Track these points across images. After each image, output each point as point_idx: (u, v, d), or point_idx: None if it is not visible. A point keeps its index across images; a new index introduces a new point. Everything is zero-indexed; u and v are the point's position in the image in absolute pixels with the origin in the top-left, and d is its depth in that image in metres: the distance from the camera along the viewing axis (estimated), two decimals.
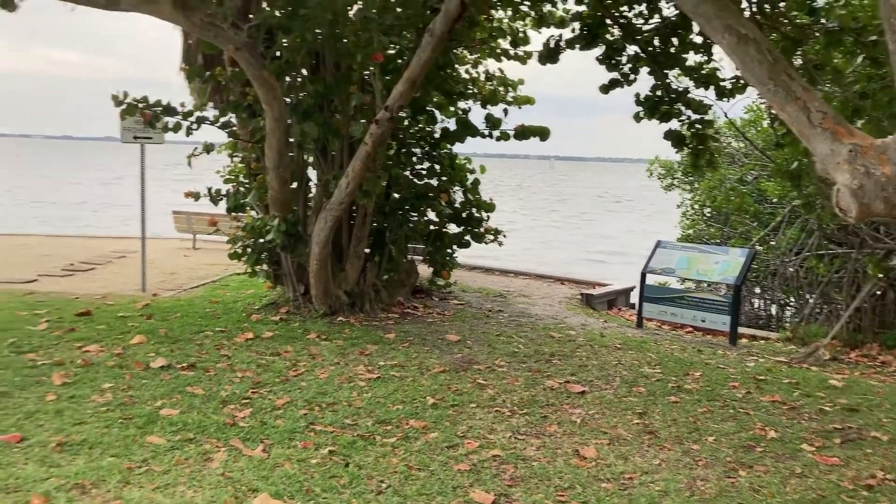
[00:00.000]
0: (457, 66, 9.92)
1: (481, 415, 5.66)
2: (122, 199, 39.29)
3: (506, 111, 9.91)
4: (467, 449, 4.94)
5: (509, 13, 9.77)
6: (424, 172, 10.39)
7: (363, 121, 8.41)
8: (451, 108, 10.08)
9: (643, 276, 10.35)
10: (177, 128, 8.75)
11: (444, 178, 10.41)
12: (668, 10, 8.51)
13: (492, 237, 10.61)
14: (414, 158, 10.30)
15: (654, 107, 9.02)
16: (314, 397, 5.83)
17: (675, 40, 8.70)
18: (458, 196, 10.53)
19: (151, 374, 6.24)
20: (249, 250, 9.28)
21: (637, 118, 9.19)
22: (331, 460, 4.60)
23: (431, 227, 10.42)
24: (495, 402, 5.99)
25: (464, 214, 10.51)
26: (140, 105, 8.46)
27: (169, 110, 8.63)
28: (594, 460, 4.88)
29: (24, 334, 7.48)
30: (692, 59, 8.84)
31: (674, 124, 9.15)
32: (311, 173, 9.51)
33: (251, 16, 8.45)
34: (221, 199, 9.41)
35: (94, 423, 5.03)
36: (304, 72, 9.02)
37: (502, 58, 10.16)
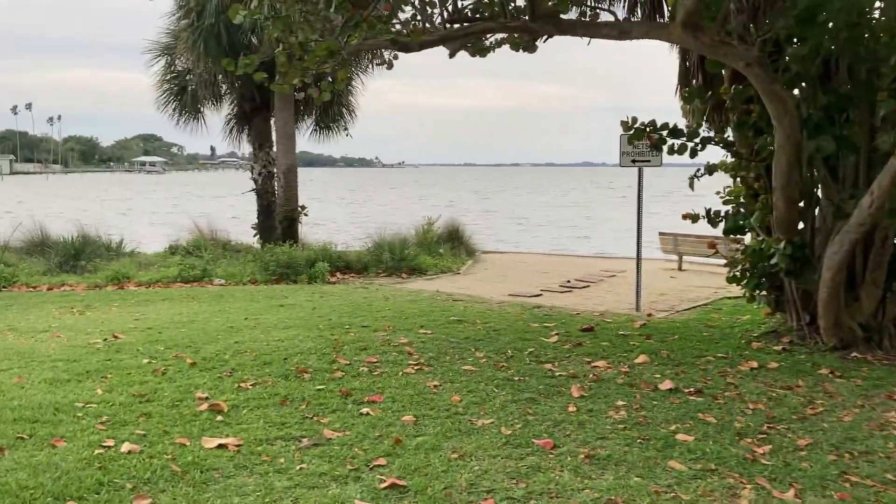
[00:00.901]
0: None
1: None
2: (603, 219, 41.57)
3: None
4: None
5: None
6: None
7: (894, 131, 7.38)
8: None
9: None
10: (682, 150, 8.78)
11: None
12: None
13: None
14: None
15: None
16: (842, 442, 5.22)
17: None
18: None
19: (660, 396, 6.29)
20: (749, 274, 8.87)
21: None
22: None
23: None
24: None
25: None
26: (647, 129, 8.72)
27: (675, 132, 8.71)
28: None
29: (540, 345, 8.21)
30: None
31: None
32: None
33: (750, 30, 8.11)
34: (720, 221, 9.16)
35: (614, 439, 5.21)
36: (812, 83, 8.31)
37: None
